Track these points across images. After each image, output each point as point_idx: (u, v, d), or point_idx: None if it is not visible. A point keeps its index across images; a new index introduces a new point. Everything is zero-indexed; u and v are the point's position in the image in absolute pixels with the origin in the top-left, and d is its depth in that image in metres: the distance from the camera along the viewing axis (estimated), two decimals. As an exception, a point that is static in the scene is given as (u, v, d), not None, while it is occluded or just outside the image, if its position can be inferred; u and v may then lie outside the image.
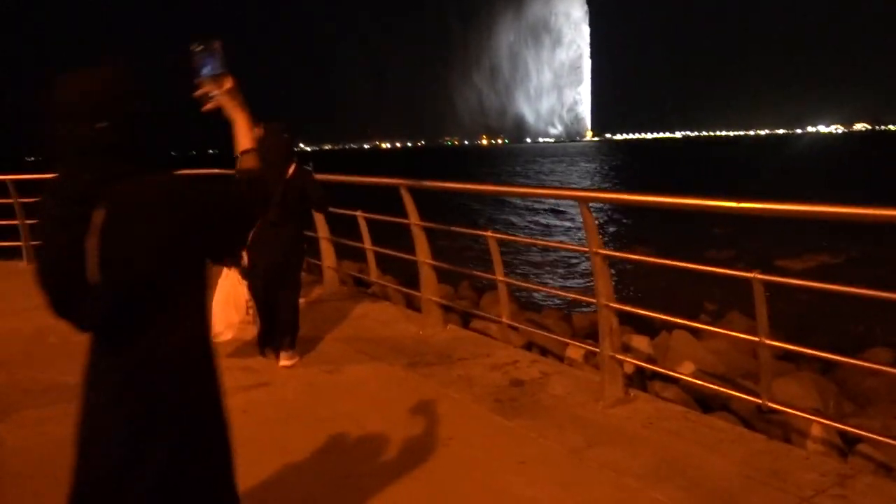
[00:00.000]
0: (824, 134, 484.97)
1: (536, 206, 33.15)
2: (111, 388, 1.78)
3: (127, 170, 1.74)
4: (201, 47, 1.89)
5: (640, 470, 3.29)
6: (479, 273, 6.16)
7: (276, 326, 4.92)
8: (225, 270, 4.73)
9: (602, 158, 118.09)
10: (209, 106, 1.94)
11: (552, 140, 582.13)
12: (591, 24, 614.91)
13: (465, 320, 6.71)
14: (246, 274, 4.75)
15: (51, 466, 3.54)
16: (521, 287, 11.99)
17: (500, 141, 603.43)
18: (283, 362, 4.88)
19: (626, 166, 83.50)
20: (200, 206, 1.81)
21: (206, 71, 1.90)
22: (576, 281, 15.62)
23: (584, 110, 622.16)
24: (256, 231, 4.12)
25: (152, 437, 1.76)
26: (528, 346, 6.27)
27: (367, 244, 6.63)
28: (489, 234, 5.26)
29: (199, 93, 1.93)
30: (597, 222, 4.12)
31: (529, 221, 29.90)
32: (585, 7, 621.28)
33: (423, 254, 5.51)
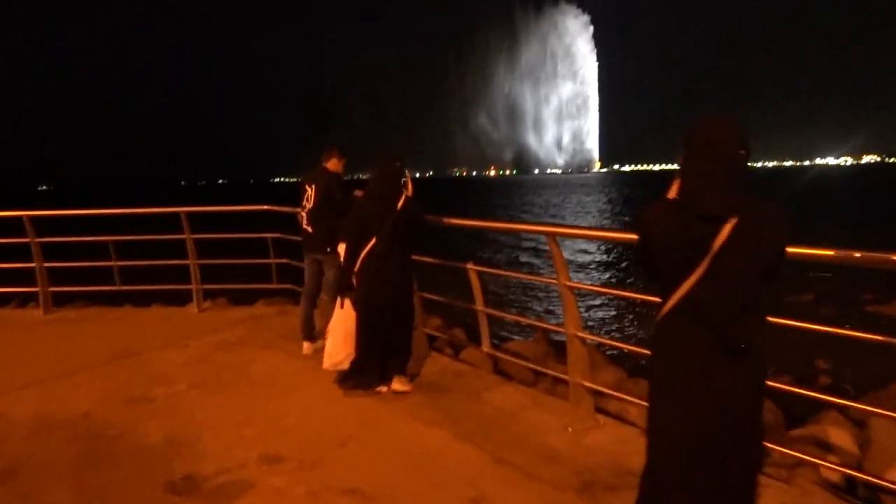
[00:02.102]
0: (833, 166, 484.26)
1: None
2: (709, 374, 2.23)
3: (748, 195, 2.17)
4: None
5: None
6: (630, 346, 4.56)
7: (391, 356, 4.92)
8: (339, 301, 5.06)
9: (606, 190, 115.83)
10: None
11: (559, 171, 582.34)
12: (597, 58, 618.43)
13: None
14: (354, 304, 4.95)
15: None
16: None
17: (507, 172, 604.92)
18: (397, 387, 4.91)
19: (635, 198, 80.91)
20: (790, 236, 2.23)
21: None
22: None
23: (592, 142, 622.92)
24: (364, 263, 4.77)
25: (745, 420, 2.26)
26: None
27: (480, 305, 5.23)
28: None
29: None
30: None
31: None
32: (591, 41, 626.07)
33: (573, 323, 4.14)
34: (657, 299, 3.56)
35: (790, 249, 2.68)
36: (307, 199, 6.01)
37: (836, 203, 54.78)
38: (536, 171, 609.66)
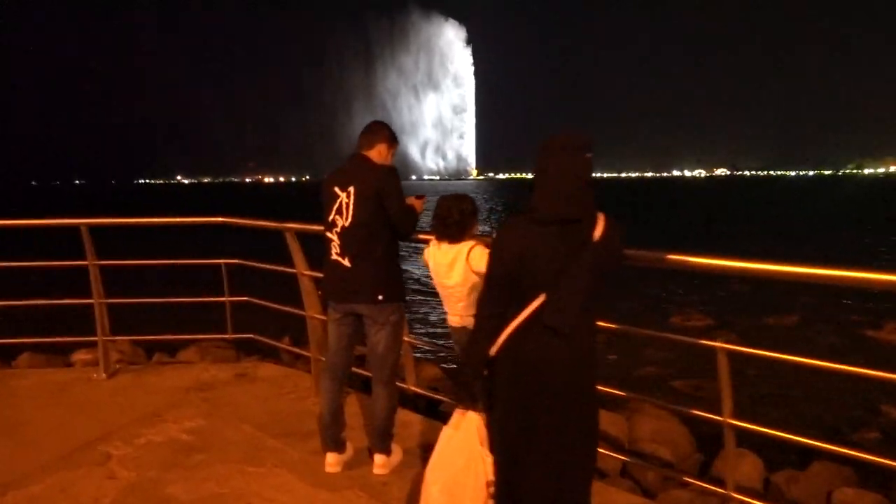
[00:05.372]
0: (688, 178, 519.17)
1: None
2: None
3: None
4: None
5: None
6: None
7: None
8: (456, 416, 2.58)
9: (487, 197, 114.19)
10: None
11: (437, 178, 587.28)
12: (475, 69, 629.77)
13: None
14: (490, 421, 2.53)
15: None
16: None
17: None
18: None
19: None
20: None
21: None
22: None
23: (469, 150, 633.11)
24: (515, 344, 2.37)
25: None
26: None
27: (730, 415, 2.88)
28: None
29: None
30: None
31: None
32: (470, 51, 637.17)
33: None
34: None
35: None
36: (339, 213, 3.48)
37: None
38: (414, 177, 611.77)
